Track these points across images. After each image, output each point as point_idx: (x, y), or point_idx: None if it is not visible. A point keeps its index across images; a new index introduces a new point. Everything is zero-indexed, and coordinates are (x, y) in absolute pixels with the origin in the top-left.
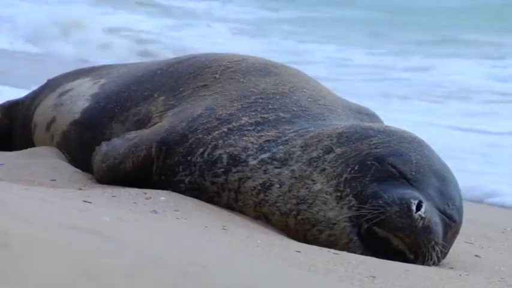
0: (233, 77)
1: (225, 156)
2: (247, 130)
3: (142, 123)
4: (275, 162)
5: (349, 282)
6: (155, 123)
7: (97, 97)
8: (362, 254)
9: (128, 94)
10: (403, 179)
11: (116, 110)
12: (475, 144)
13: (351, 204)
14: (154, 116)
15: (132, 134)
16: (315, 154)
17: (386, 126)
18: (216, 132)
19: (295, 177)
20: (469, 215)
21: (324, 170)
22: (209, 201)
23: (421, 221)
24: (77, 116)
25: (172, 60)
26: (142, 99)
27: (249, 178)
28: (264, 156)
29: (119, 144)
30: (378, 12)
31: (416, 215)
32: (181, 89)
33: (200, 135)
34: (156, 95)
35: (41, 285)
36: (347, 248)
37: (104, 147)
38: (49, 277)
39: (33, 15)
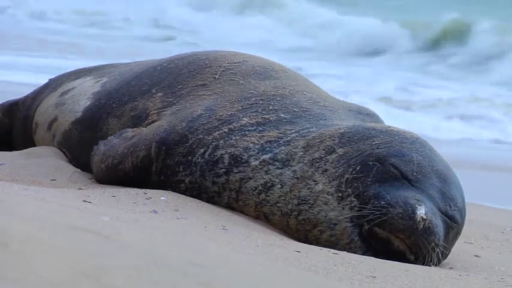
0: (233, 78)
1: (226, 156)
2: (248, 130)
3: (139, 118)
4: (277, 163)
5: (349, 282)
6: (153, 121)
7: (98, 95)
8: (363, 254)
9: (126, 89)
10: (405, 179)
11: (114, 105)
12: None
13: (353, 204)
14: (152, 112)
15: (130, 133)
16: (317, 155)
17: (389, 127)
18: (217, 132)
19: (297, 178)
20: (469, 215)
21: (326, 170)
22: (209, 201)
23: (422, 223)
24: (78, 114)
25: (173, 56)
26: (140, 93)
27: (250, 178)
28: (266, 157)
29: (117, 143)
30: None
31: (417, 217)
32: (179, 87)
33: (201, 136)
34: (154, 91)
35: (41, 285)
36: (348, 248)
37: (102, 146)
38: (49, 277)
39: None
